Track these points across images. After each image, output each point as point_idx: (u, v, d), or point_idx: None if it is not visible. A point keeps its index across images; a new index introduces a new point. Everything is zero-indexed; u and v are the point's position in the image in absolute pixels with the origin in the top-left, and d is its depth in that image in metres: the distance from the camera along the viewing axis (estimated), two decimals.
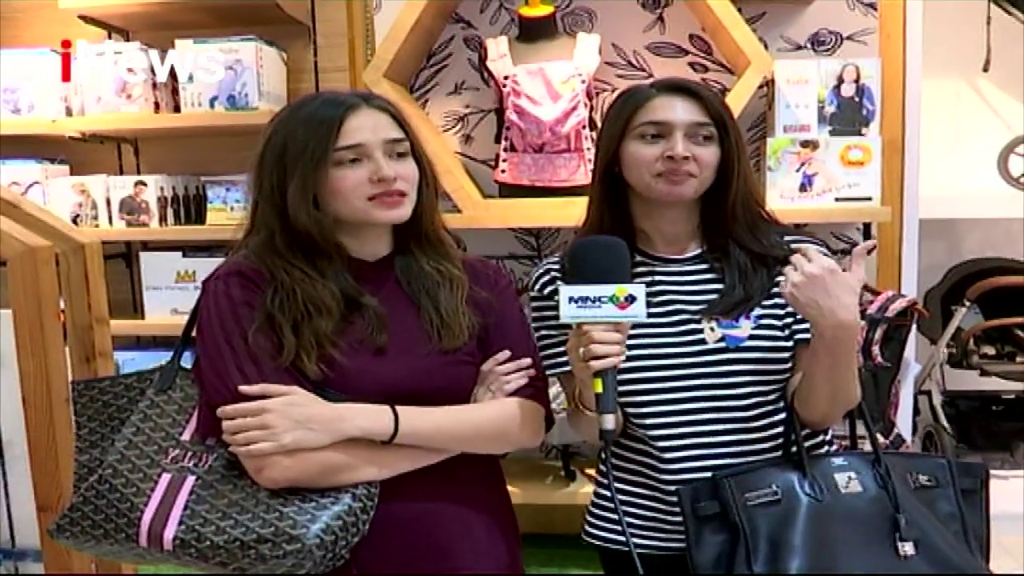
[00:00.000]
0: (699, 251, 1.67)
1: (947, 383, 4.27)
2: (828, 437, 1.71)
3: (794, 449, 1.58)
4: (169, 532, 1.34)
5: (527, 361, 1.52)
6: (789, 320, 1.60)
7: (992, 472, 4.08)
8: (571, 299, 1.40)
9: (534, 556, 3.18)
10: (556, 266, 1.70)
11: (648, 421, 1.63)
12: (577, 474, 3.21)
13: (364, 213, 1.44)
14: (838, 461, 1.56)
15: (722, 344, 1.58)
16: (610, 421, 1.42)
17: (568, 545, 3.16)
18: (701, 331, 1.59)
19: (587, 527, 1.76)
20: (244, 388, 1.34)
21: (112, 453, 1.43)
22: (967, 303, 4.08)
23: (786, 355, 1.60)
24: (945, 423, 4.08)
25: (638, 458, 1.67)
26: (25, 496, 1.96)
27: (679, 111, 1.59)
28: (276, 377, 1.36)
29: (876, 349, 2.59)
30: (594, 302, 1.39)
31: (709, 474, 1.56)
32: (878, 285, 3.02)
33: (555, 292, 1.65)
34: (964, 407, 4.40)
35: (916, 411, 3.62)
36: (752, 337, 1.58)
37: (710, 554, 1.52)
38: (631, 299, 1.40)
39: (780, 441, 1.61)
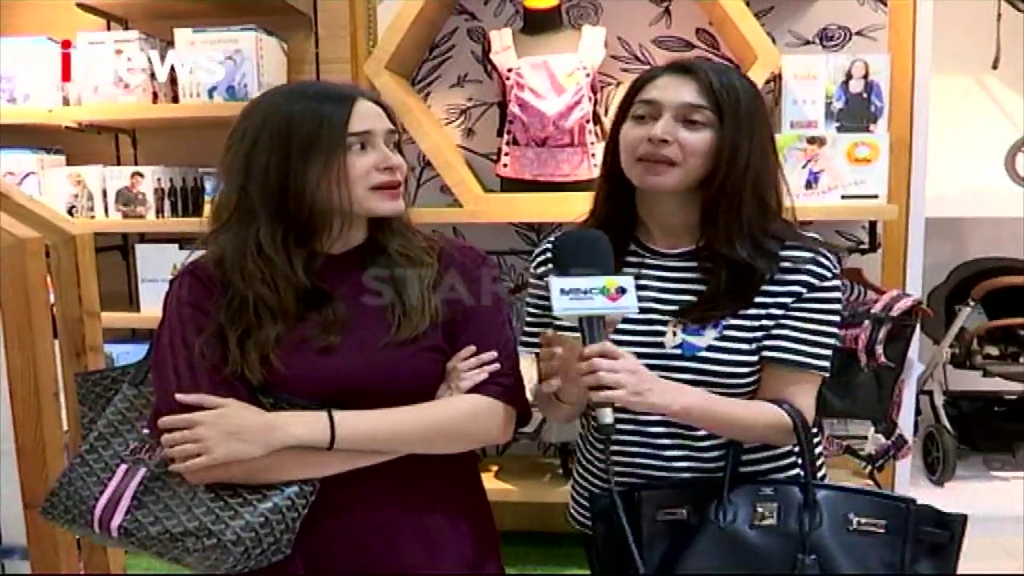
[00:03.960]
0: (692, 247, 1.58)
1: (949, 383, 4.25)
2: (798, 449, 1.58)
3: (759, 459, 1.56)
4: (116, 521, 1.37)
5: (490, 356, 1.46)
6: (760, 335, 1.52)
7: (993, 473, 4.06)
8: (563, 291, 1.36)
9: (531, 555, 3.19)
10: (546, 255, 1.67)
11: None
12: None
13: (366, 202, 1.42)
14: (766, 490, 1.49)
15: (678, 351, 1.52)
16: (608, 415, 1.37)
17: (566, 543, 3.15)
18: (663, 333, 1.54)
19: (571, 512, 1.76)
20: (180, 397, 1.34)
21: (84, 444, 1.48)
22: (971, 303, 4.05)
23: (746, 370, 1.52)
24: (947, 423, 4.05)
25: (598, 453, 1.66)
26: (12, 493, 1.94)
27: (671, 91, 1.51)
28: (210, 381, 1.36)
29: (880, 349, 2.57)
30: (585, 294, 1.36)
31: (663, 479, 1.54)
32: (883, 284, 3.00)
33: (546, 273, 1.63)
34: (966, 407, 4.38)
35: (917, 411, 3.60)
36: (711, 348, 1.51)
37: (611, 557, 1.50)
38: (622, 291, 1.37)
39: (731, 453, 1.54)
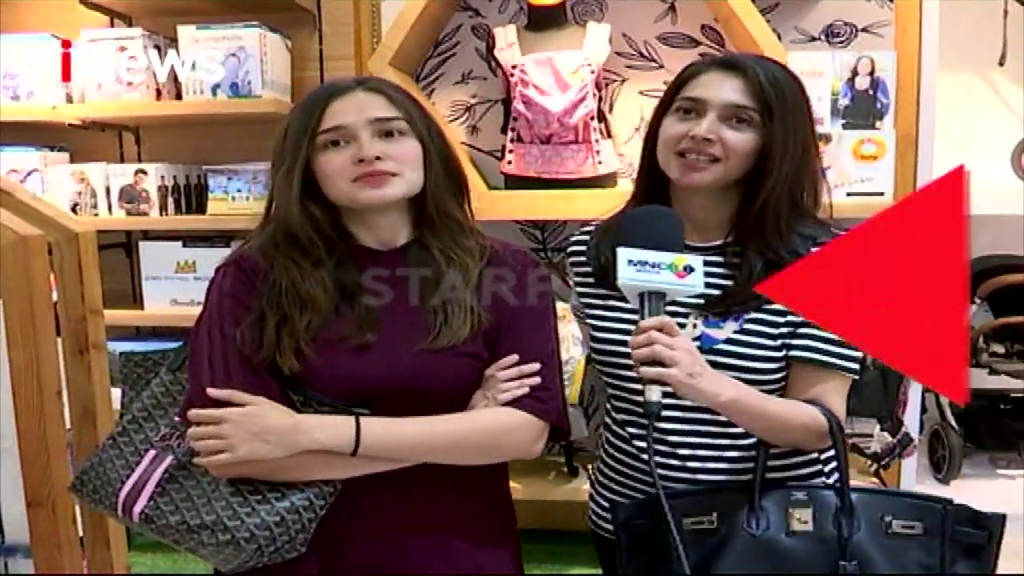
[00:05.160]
0: (722, 241, 1.56)
1: None
2: (827, 455, 1.59)
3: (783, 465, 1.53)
4: (138, 506, 1.38)
5: (531, 368, 1.43)
6: (785, 331, 1.50)
7: (999, 472, 4.02)
8: (630, 262, 1.35)
9: (536, 553, 3.18)
10: (583, 245, 1.67)
11: (622, 416, 1.60)
12: (580, 470, 3.18)
13: (350, 195, 1.41)
14: (798, 495, 1.45)
15: (696, 343, 1.49)
16: (656, 392, 1.34)
17: (570, 542, 3.15)
18: (683, 326, 1.50)
19: (589, 513, 1.74)
20: (211, 392, 1.34)
21: (118, 426, 1.48)
22: (977, 301, 4.03)
23: (770, 365, 1.50)
24: (952, 422, 4.04)
25: (623, 446, 1.64)
26: (15, 491, 1.93)
27: (718, 89, 1.48)
28: (243, 374, 1.36)
29: None
30: (653, 267, 1.35)
31: (678, 479, 1.53)
32: None
33: (577, 263, 1.67)
34: (972, 406, 4.36)
35: (923, 409, 3.58)
36: (730, 341, 1.50)
37: (635, 568, 1.48)
38: (689, 269, 1.35)
39: (754, 454, 1.50)
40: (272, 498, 1.33)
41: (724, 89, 1.48)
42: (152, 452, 1.42)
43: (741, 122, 1.47)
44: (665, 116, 1.54)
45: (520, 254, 1.54)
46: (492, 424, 1.41)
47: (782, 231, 1.49)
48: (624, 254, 1.36)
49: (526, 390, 1.42)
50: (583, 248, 1.67)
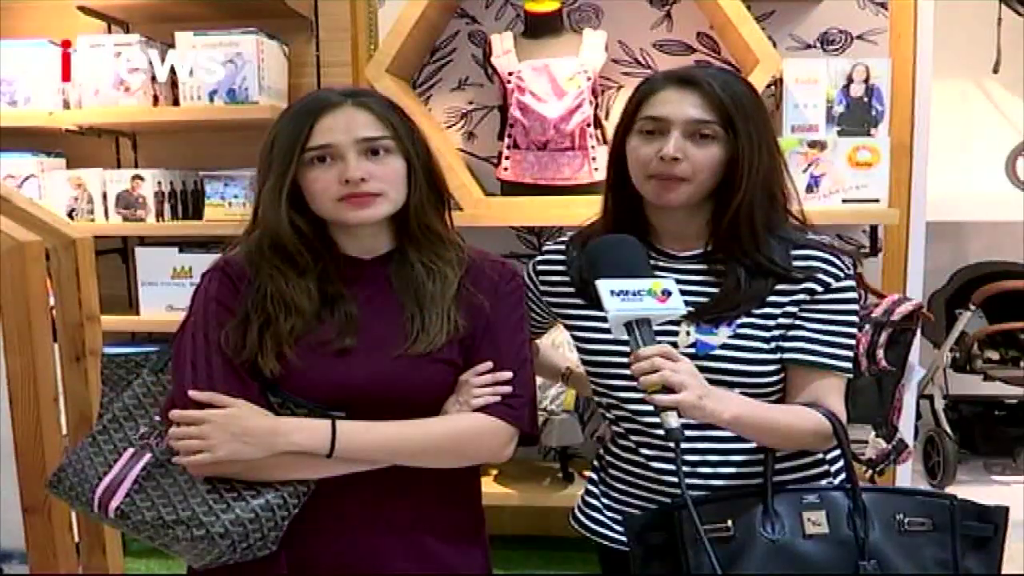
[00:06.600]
0: (702, 250, 1.58)
1: (950, 387, 4.24)
2: (832, 455, 1.60)
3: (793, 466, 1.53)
4: (114, 502, 1.40)
5: (505, 375, 1.46)
6: (777, 333, 1.52)
7: (994, 478, 4.03)
8: (612, 292, 1.36)
9: (530, 559, 3.19)
10: (559, 255, 1.66)
11: (624, 426, 1.60)
12: (575, 476, 3.18)
13: (335, 213, 1.44)
14: (810, 498, 1.47)
15: (692, 350, 1.50)
16: (674, 419, 1.32)
17: (565, 547, 3.16)
18: (676, 333, 1.52)
19: (583, 519, 1.72)
20: (193, 394, 1.37)
21: (98, 424, 1.51)
22: (972, 307, 4.04)
23: (766, 368, 1.51)
24: (947, 428, 4.05)
25: (628, 456, 1.63)
26: (11, 497, 1.94)
27: (679, 107, 1.49)
28: (225, 377, 1.39)
29: (880, 353, 2.55)
30: (635, 295, 1.36)
31: (690, 486, 1.49)
32: (883, 288, 2.99)
33: (551, 271, 1.67)
34: (967, 412, 4.37)
35: (918, 415, 3.59)
36: (725, 346, 1.50)
37: (648, 573, 1.48)
38: (667, 293, 1.37)
39: (762, 456, 1.51)
40: (248, 495, 1.36)
41: (684, 106, 1.49)
42: (131, 450, 1.44)
43: (705, 137, 1.49)
44: (629, 136, 1.55)
45: (498, 264, 1.56)
46: (464, 429, 1.44)
47: (758, 238, 1.51)
48: (605, 285, 1.36)
49: (498, 397, 1.45)
50: (560, 258, 1.67)
